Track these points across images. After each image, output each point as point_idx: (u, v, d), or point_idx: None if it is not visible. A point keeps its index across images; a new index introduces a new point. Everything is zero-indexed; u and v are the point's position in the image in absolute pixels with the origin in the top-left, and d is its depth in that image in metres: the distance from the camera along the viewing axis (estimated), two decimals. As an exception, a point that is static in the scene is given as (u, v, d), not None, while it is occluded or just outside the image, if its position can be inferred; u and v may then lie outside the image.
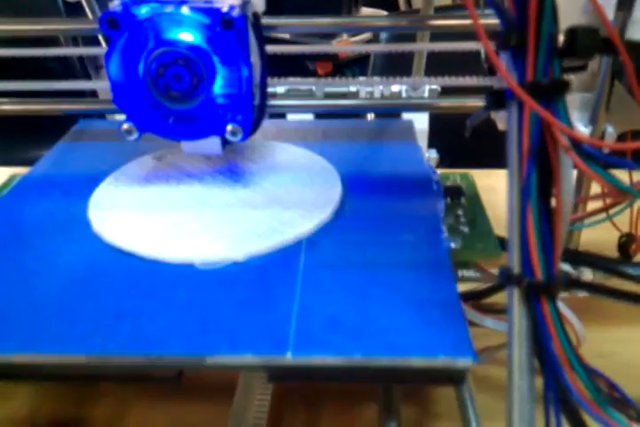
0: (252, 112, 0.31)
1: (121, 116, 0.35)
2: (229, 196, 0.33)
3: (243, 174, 0.35)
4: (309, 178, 0.34)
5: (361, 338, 0.23)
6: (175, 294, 0.26)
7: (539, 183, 0.19)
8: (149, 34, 0.30)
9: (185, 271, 0.27)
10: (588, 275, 0.35)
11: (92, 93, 0.49)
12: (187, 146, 0.33)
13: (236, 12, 0.29)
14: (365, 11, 2.11)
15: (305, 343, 0.23)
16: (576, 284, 0.20)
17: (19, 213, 0.32)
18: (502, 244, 0.31)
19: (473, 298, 0.34)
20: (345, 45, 1.42)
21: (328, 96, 0.43)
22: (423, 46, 0.38)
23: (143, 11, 0.30)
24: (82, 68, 1.15)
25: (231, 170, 0.35)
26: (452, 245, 0.30)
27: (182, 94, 0.30)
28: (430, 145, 0.47)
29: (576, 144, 0.18)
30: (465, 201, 0.35)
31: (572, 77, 0.33)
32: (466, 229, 0.32)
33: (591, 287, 0.21)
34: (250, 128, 0.32)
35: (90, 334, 0.24)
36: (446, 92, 0.41)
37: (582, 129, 0.33)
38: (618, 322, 0.37)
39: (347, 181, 0.33)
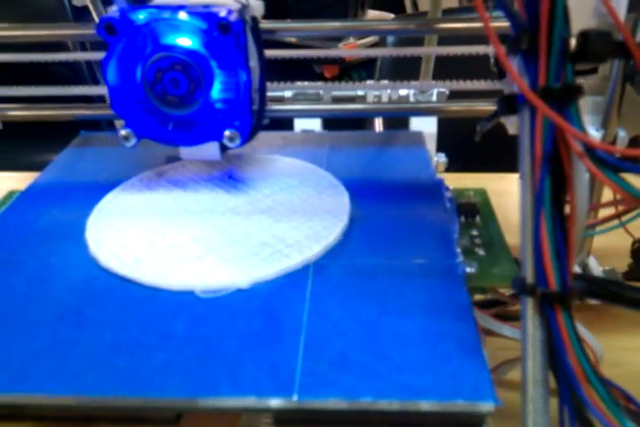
0: (250, 117, 0.31)
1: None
2: (232, 215, 0.31)
3: (246, 192, 0.33)
4: (317, 196, 0.32)
5: (371, 378, 0.21)
6: (174, 326, 0.24)
7: (552, 190, 0.19)
8: (147, 39, 0.30)
9: (185, 300, 0.25)
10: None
11: (101, 98, 0.49)
12: (185, 152, 0.33)
13: (233, 17, 0.29)
14: (372, 13, 2.11)
15: (312, 384, 0.21)
16: (592, 293, 0.20)
17: (15, 232, 0.31)
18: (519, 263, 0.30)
19: (491, 306, 0.33)
20: (351, 49, 1.41)
21: (336, 100, 0.43)
22: (431, 50, 0.37)
23: (141, 16, 0.30)
24: (90, 73, 1.15)
25: (235, 187, 0.34)
26: (468, 269, 0.27)
27: (180, 100, 0.30)
28: (439, 148, 0.46)
29: (590, 150, 0.18)
30: (480, 220, 0.33)
31: (583, 81, 0.32)
32: (481, 252, 0.30)
33: (607, 297, 0.20)
34: (248, 133, 0.31)
35: (82, 372, 0.22)
36: (454, 95, 0.40)
37: (594, 133, 0.33)
38: (633, 330, 0.36)
39: (355, 199, 0.32)
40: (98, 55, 0.32)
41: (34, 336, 0.24)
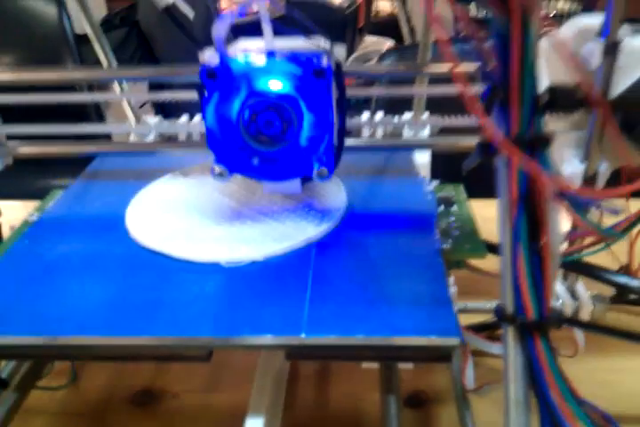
0: (333, 153, 0.34)
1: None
2: (250, 206, 0.37)
3: (257, 188, 0.38)
4: (320, 192, 0.38)
5: (364, 322, 0.27)
6: (205, 288, 0.30)
7: (528, 227, 0.21)
8: (243, 84, 0.32)
9: (212, 269, 0.32)
10: (588, 306, 0.36)
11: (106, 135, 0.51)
12: (268, 185, 0.36)
13: (325, 63, 0.32)
14: (369, 39, 2.15)
15: (316, 326, 0.27)
16: (568, 321, 0.21)
17: (66, 226, 0.37)
18: (488, 246, 0.34)
19: (482, 330, 0.36)
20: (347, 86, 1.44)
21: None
22: (422, 91, 0.40)
23: (238, 63, 0.32)
24: (95, 110, 1.19)
25: (251, 185, 0.39)
26: (444, 245, 0.34)
27: (272, 138, 0.33)
28: (434, 174, 0.48)
29: (561, 192, 0.20)
30: (456, 208, 0.39)
31: (566, 117, 0.34)
32: (456, 233, 0.36)
33: (583, 325, 0.22)
34: (333, 168, 0.34)
35: (133, 321, 0.28)
36: (446, 129, 0.43)
37: (578, 165, 0.35)
38: (619, 351, 0.38)
39: (351, 194, 0.38)
40: (106, 96, 0.34)
41: (93, 296, 0.30)
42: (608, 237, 0.22)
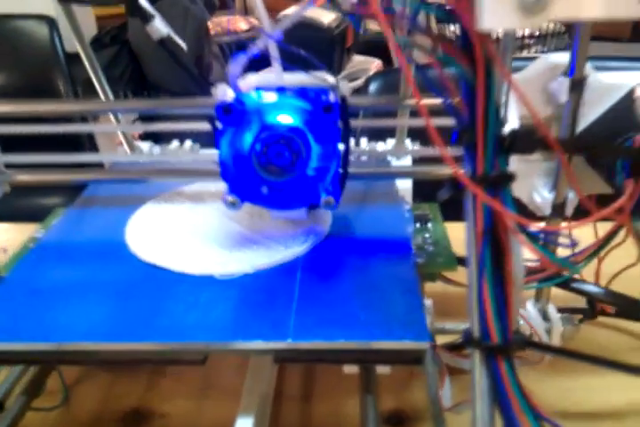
0: (340, 182, 0.36)
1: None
2: (241, 224, 0.40)
3: (253, 208, 0.40)
4: (304, 211, 0.40)
5: (345, 328, 0.30)
6: (199, 298, 0.33)
7: (492, 257, 0.22)
8: (255, 119, 0.34)
9: (206, 281, 0.35)
10: (558, 327, 0.38)
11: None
12: (275, 213, 0.38)
13: (332, 98, 0.34)
14: (357, 58, 2.18)
15: (302, 332, 0.30)
16: (531, 344, 0.23)
17: (68, 246, 0.40)
18: (459, 260, 0.37)
19: (454, 349, 0.38)
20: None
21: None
22: (403, 122, 0.42)
23: (251, 99, 0.34)
24: (88, 137, 1.21)
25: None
26: (419, 259, 0.38)
27: (281, 169, 0.35)
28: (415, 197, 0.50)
29: (521, 226, 0.22)
30: (431, 226, 0.42)
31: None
32: (431, 248, 0.39)
33: (546, 348, 0.24)
34: (340, 197, 0.36)
35: (134, 329, 0.31)
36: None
37: (546, 195, 0.37)
38: (586, 371, 0.40)
39: (334, 215, 0.41)
40: (103, 127, 0.36)
41: (97, 306, 0.33)
42: (564, 268, 0.24)
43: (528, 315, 0.38)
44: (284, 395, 0.41)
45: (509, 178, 0.22)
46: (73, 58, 1.32)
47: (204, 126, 0.42)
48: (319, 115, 0.34)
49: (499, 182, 0.22)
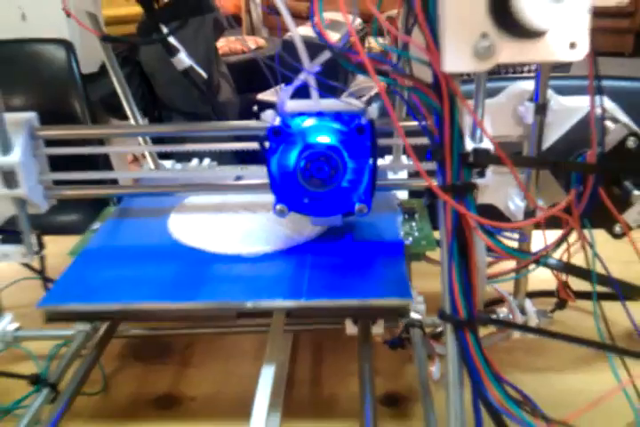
0: (370, 192, 0.42)
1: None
2: (265, 216, 0.49)
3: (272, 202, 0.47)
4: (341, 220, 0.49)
5: (346, 290, 0.39)
6: (230, 271, 0.43)
7: (459, 250, 0.28)
8: (299, 140, 0.41)
9: (235, 259, 0.44)
10: (533, 319, 0.43)
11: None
12: (316, 221, 0.45)
13: (364, 121, 0.40)
14: (361, 78, 2.24)
15: (312, 293, 0.39)
16: (492, 321, 0.29)
17: (122, 235, 0.49)
18: (438, 243, 0.42)
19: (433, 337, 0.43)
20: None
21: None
22: (399, 141, 0.48)
23: (295, 123, 0.41)
24: (104, 159, 1.30)
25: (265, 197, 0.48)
26: (406, 242, 0.46)
27: (322, 182, 0.41)
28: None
29: (480, 225, 0.28)
30: (417, 216, 0.51)
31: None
32: (416, 234, 0.48)
33: (503, 323, 0.29)
34: (370, 205, 0.43)
35: (181, 293, 0.40)
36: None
37: (519, 203, 0.43)
38: (559, 352, 0.45)
39: None
40: (135, 148, 0.42)
41: (154, 277, 0.42)
42: (515, 257, 0.30)
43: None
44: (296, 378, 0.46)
45: (472, 187, 0.28)
46: (87, 79, 1.39)
47: (222, 146, 0.48)
48: (353, 135, 0.41)
49: (463, 191, 0.28)
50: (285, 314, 0.41)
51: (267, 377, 0.38)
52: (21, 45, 1.49)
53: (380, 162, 0.55)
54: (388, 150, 0.56)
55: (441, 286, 0.29)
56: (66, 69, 1.42)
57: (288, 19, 0.39)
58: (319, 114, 0.41)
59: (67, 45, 1.43)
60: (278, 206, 0.43)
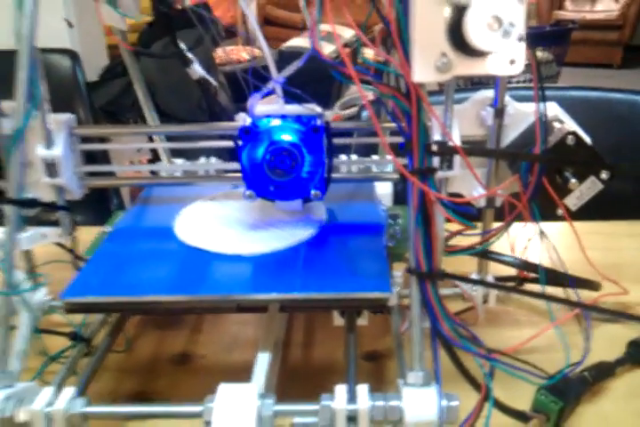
0: (324, 181, 0.51)
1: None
2: (261, 218, 0.55)
3: (269, 207, 0.54)
4: (308, 209, 0.55)
5: (334, 285, 0.44)
6: (232, 269, 0.48)
7: (423, 220, 0.36)
8: (265, 137, 0.49)
9: (236, 258, 0.49)
10: (494, 291, 0.51)
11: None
12: (279, 204, 0.53)
13: (319, 123, 0.49)
14: (354, 88, 2.33)
15: (305, 287, 0.44)
16: (448, 275, 0.37)
17: (134, 235, 0.55)
18: None
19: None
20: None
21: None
22: (385, 139, 0.57)
23: (263, 124, 0.49)
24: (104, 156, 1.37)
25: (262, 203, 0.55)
26: (390, 244, 0.52)
27: (284, 172, 0.49)
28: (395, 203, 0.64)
29: (439, 200, 0.36)
30: (400, 222, 0.57)
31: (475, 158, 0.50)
32: (399, 236, 0.54)
33: (459, 277, 0.37)
34: (324, 192, 0.51)
35: (187, 285, 0.45)
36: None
37: (482, 191, 0.51)
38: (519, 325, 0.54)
39: (328, 210, 0.56)
40: (152, 145, 0.50)
41: (160, 272, 0.48)
42: (464, 225, 0.38)
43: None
44: (291, 343, 0.54)
45: (433, 171, 0.36)
46: (91, 86, 1.47)
47: (226, 144, 0.56)
48: (310, 134, 0.49)
49: (426, 173, 0.36)
50: (279, 307, 0.46)
51: (262, 361, 0.43)
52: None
53: (367, 159, 0.64)
54: (374, 148, 0.65)
55: (409, 248, 0.37)
56: (71, 78, 1.50)
57: (259, 35, 0.47)
58: (283, 116, 0.49)
59: (72, 55, 1.51)
60: (248, 192, 0.51)
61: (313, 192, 0.51)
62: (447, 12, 0.34)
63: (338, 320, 0.50)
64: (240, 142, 0.49)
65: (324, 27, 0.43)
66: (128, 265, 0.49)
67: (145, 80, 1.92)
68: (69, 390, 0.36)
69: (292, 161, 0.49)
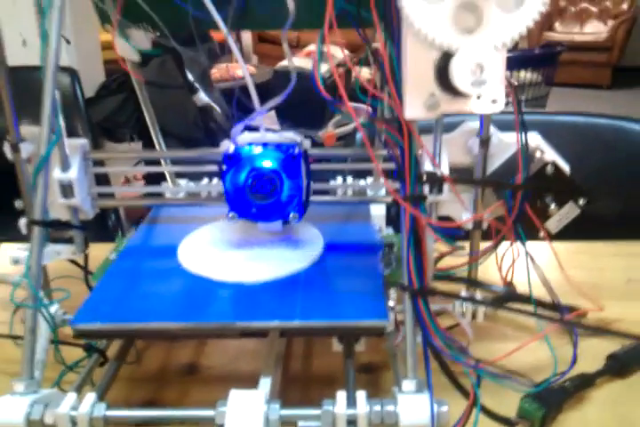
0: (303, 205, 0.54)
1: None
2: (262, 247, 0.57)
3: (269, 236, 0.57)
4: (306, 238, 0.58)
5: (332, 312, 0.46)
6: (233, 296, 0.50)
7: (414, 242, 0.40)
8: (247, 163, 0.53)
9: (237, 286, 0.51)
10: (481, 308, 0.55)
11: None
12: (261, 226, 0.56)
13: (297, 151, 0.52)
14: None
15: (303, 316, 0.46)
16: (438, 292, 0.41)
17: (138, 258, 0.57)
18: None
19: None
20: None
21: (315, 192, 0.65)
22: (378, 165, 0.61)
23: (245, 151, 0.53)
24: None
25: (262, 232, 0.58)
26: (385, 272, 0.54)
27: (265, 196, 0.53)
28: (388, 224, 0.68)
29: (429, 224, 0.40)
30: (396, 250, 0.59)
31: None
32: (394, 264, 0.56)
33: (448, 294, 0.41)
34: (302, 215, 0.55)
35: (193, 312, 0.47)
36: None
37: (469, 215, 0.55)
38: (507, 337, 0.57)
39: (325, 238, 0.58)
40: (160, 168, 0.54)
41: (165, 301, 0.50)
42: (452, 246, 0.42)
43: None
44: (292, 355, 0.58)
45: (424, 198, 0.40)
46: (89, 102, 1.51)
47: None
48: (289, 161, 0.53)
49: (417, 200, 0.40)
50: (279, 333, 0.48)
51: (264, 386, 0.44)
52: (29, 72, 1.61)
53: (361, 182, 0.68)
54: (370, 173, 0.69)
55: (401, 267, 0.40)
56: (71, 95, 1.54)
57: (240, 60, 0.51)
58: (264, 144, 0.53)
59: (71, 72, 1.55)
60: (230, 214, 0.54)
61: (291, 214, 0.54)
62: (436, 57, 0.38)
63: (336, 346, 0.53)
64: (224, 167, 0.53)
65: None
66: (134, 292, 0.51)
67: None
68: (91, 396, 0.39)
69: (272, 186, 0.53)
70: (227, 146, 0.54)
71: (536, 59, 3.17)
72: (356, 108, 0.41)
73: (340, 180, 0.66)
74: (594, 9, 4.69)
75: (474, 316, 0.57)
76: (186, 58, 1.88)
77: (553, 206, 0.50)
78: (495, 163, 0.54)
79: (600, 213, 0.92)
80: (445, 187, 0.53)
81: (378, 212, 0.67)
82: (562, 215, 0.50)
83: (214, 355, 0.58)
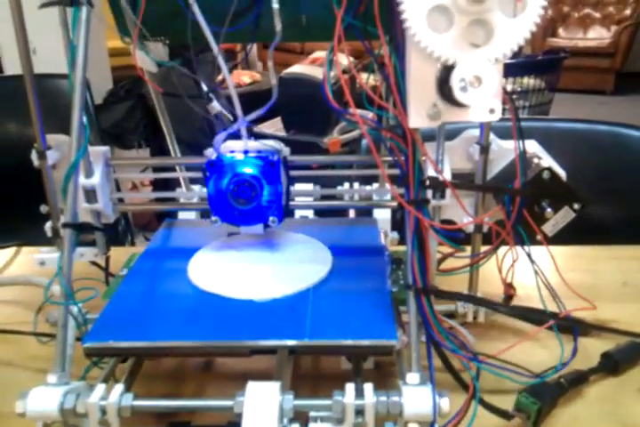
0: (282, 210, 0.57)
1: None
2: (270, 264, 0.57)
3: (278, 253, 0.59)
4: (315, 255, 0.59)
5: (342, 331, 0.46)
6: (242, 314, 0.49)
7: (418, 243, 0.43)
8: (229, 170, 0.55)
9: (247, 303, 0.51)
10: (482, 309, 0.58)
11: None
12: (243, 229, 0.58)
13: (276, 158, 0.55)
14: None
15: (314, 334, 0.46)
16: (441, 291, 0.43)
17: (148, 279, 0.57)
18: None
19: None
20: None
21: (323, 198, 0.68)
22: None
23: (227, 158, 0.56)
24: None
25: (270, 247, 0.60)
26: (394, 289, 0.54)
27: (246, 200, 0.56)
28: (393, 228, 0.71)
29: (432, 227, 0.42)
30: (403, 267, 0.59)
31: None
32: (402, 282, 0.56)
33: (450, 294, 0.44)
34: (281, 219, 0.57)
35: (204, 331, 0.47)
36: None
37: (469, 218, 0.57)
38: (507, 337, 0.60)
39: (334, 255, 0.58)
40: (176, 174, 0.57)
41: (173, 318, 0.50)
42: (454, 248, 0.45)
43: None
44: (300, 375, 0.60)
45: (427, 202, 0.43)
46: (98, 108, 1.54)
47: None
48: (268, 168, 0.55)
49: (421, 204, 0.43)
50: (289, 351, 0.47)
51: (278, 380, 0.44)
52: (42, 80, 1.65)
53: (368, 188, 0.71)
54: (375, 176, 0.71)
55: (406, 268, 0.43)
56: (82, 102, 1.58)
57: (224, 69, 0.54)
58: (245, 152, 0.56)
59: (83, 81, 1.59)
60: (214, 218, 0.57)
61: (271, 218, 0.56)
62: (437, 70, 0.41)
63: (345, 364, 0.55)
64: (207, 174, 0.56)
65: (322, 54, 0.49)
66: (145, 310, 0.51)
67: (148, 103, 2.00)
68: (119, 387, 0.42)
69: (253, 191, 0.55)
70: (210, 153, 0.57)
71: (539, 65, 3.20)
72: (362, 115, 0.43)
73: (346, 185, 0.69)
74: (597, 15, 4.72)
75: (475, 316, 0.59)
76: (197, 68, 1.89)
77: (549, 211, 0.52)
78: (495, 169, 0.57)
79: (599, 218, 0.95)
80: (447, 192, 0.56)
81: (383, 215, 0.69)
82: (557, 220, 0.53)
83: (225, 358, 0.60)
